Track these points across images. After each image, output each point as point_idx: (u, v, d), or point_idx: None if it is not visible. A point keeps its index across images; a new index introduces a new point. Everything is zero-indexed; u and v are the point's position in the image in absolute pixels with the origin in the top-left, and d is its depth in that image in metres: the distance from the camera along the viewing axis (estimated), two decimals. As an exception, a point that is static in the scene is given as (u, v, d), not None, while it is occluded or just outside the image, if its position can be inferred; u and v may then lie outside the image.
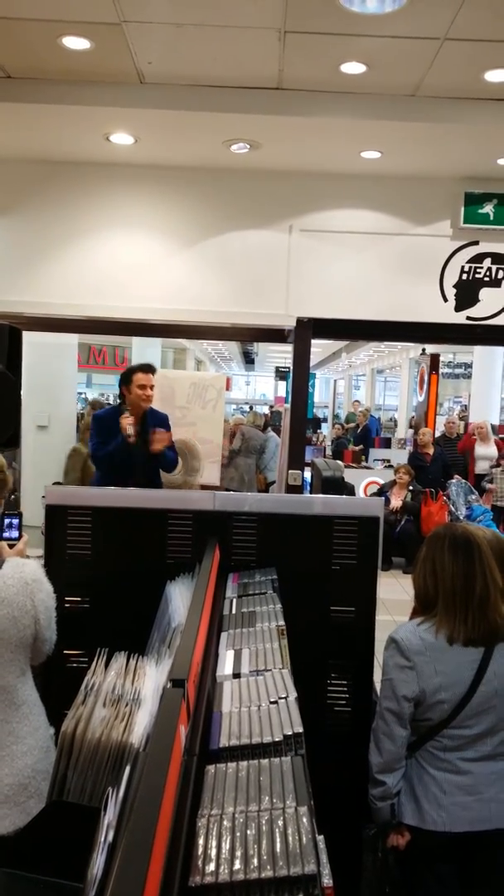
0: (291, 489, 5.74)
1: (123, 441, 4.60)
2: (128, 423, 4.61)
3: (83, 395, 22.68)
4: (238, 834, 1.17)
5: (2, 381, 3.67)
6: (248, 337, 9.73)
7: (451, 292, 5.71)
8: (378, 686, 2.66)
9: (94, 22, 3.86)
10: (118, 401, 5.04)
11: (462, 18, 3.70)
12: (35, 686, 2.35)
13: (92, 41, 4.07)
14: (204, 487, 5.98)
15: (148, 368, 4.93)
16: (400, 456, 12.93)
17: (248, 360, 33.24)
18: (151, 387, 4.82)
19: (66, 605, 2.71)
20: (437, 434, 11.78)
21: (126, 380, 4.86)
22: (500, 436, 12.20)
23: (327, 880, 1.23)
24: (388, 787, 2.24)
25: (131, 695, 1.64)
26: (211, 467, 6.70)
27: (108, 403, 14.77)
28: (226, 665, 1.86)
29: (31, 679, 2.33)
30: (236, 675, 1.80)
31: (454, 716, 2.22)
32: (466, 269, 5.70)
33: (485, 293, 5.72)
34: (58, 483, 7.53)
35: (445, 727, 2.23)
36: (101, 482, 4.88)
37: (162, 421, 4.94)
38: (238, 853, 1.12)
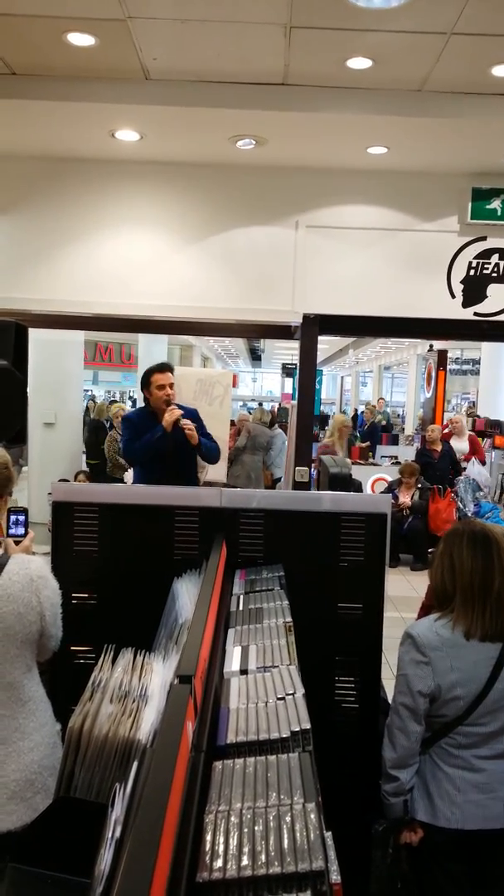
0: (298, 486, 5.74)
1: (162, 435, 4.63)
2: (175, 414, 4.64)
3: (89, 392, 22.74)
4: (245, 830, 1.17)
5: (8, 379, 3.67)
6: (255, 333, 9.73)
7: (458, 288, 5.69)
8: (385, 683, 2.66)
9: (98, 18, 3.86)
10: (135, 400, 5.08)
11: (468, 13, 3.68)
12: (42, 682, 2.36)
13: (96, 37, 4.06)
14: (208, 484, 5.98)
15: (164, 367, 4.93)
16: (407, 452, 12.91)
17: (255, 356, 33.24)
18: (171, 385, 4.85)
19: (73, 601, 2.71)
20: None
21: (145, 383, 4.88)
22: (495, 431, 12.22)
23: (335, 876, 1.22)
24: (401, 782, 2.24)
25: (138, 691, 1.64)
26: (217, 464, 6.68)
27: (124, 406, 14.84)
28: (233, 661, 1.85)
29: (38, 675, 2.33)
30: (243, 672, 1.80)
31: (469, 712, 2.21)
32: (474, 264, 5.68)
33: (492, 289, 5.69)
34: (64, 480, 7.54)
35: (460, 724, 2.22)
36: (138, 475, 4.99)
37: (192, 415, 4.97)
38: (245, 849, 1.12)
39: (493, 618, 2.25)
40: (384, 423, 17.97)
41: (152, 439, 4.68)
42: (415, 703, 2.23)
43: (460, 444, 10.59)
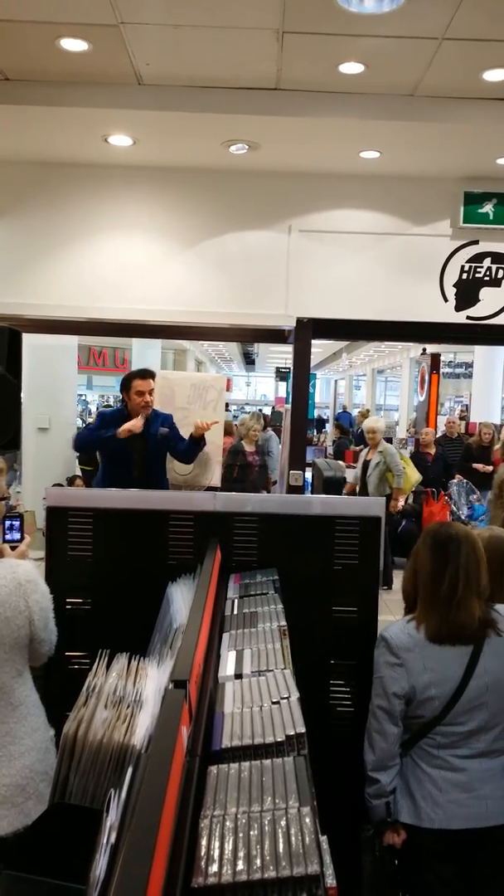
0: (292, 489, 5.74)
1: (111, 437, 4.80)
2: (133, 427, 4.81)
3: (83, 397, 22.71)
4: (241, 834, 1.17)
5: (2, 384, 3.66)
6: (248, 338, 9.74)
7: (451, 292, 5.71)
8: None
9: (91, 23, 3.86)
10: (120, 404, 5.16)
11: (460, 18, 3.70)
12: (36, 687, 2.35)
13: (89, 43, 4.07)
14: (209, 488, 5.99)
15: (146, 374, 5.04)
16: (401, 456, 12.90)
17: (249, 360, 33.28)
18: (150, 391, 4.94)
19: (68, 606, 2.71)
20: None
21: (125, 387, 5.01)
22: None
23: (331, 881, 1.22)
24: (382, 784, 2.25)
25: (133, 696, 1.64)
26: (214, 468, 6.68)
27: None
28: (228, 666, 1.85)
29: (30, 680, 2.33)
30: (238, 676, 1.80)
31: (446, 712, 2.22)
32: (466, 268, 5.69)
33: (485, 293, 5.71)
34: (58, 485, 7.52)
35: (438, 724, 2.23)
36: (103, 474, 5.14)
37: (166, 421, 5.08)
38: (241, 854, 1.12)
39: (443, 620, 2.24)
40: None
41: (102, 436, 4.87)
42: (390, 705, 2.25)
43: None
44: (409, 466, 8.07)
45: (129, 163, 5.53)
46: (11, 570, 2.24)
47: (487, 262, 5.69)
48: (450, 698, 2.22)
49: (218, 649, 1.99)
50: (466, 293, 5.71)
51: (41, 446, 8.65)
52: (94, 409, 24.36)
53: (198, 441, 5.09)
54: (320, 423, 20.99)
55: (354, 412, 21.54)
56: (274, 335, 6.17)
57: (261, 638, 2.02)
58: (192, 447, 5.11)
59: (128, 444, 4.82)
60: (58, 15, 3.80)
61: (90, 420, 12.81)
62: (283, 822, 1.19)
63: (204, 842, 1.16)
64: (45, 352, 8.38)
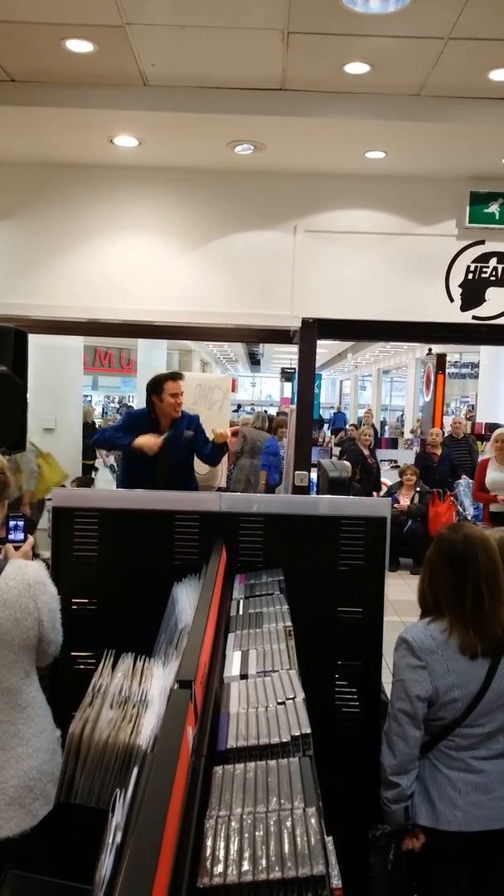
0: (298, 490, 5.74)
1: (128, 444, 4.74)
2: (153, 443, 4.73)
3: (89, 398, 22.75)
4: (246, 835, 1.17)
5: (8, 384, 3.67)
6: (254, 338, 9.73)
7: (456, 292, 5.70)
8: (386, 687, 2.66)
9: (97, 25, 3.87)
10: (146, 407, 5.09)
11: (466, 18, 3.69)
12: (42, 688, 2.35)
13: (95, 44, 4.07)
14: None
15: (177, 376, 5.06)
16: (407, 456, 12.93)
17: (254, 361, 33.25)
18: (181, 394, 4.93)
19: (74, 606, 2.71)
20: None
21: (157, 389, 4.93)
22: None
23: (336, 881, 1.22)
24: (402, 788, 2.23)
25: (138, 696, 1.64)
26: (222, 470, 6.69)
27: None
28: (233, 666, 1.85)
29: (37, 681, 2.33)
30: (243, 676, 1.80)
31: (467, 714, 2.21)
32: (472, 268, 5.68)
33: (491, 293, 5.70)
34: (62, 486, 7.53)
35: (458, 726, 2.22)
36: (124, 474, 5.09)
37: (194, 421, 5.08)
38: (246, 854, 1.12)
39: (476, 637, 2.24)
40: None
41: (118, 441, 4.89)
42: (413, 709, 2.22)
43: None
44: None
45: (135, 163, 5.53)
46: (21, 572, 2.24)
47: (493, 261, 5.68)
48: (472, 699, 2.20)
49: (223, 649, 1.99)
50: (472, 293, 5.70)
51: (47, 447, 8.66)
52: (99, 410, 24.36)
53: (220, 447, 5.05)
54: (322, 424, 21.01)
55: (361, 412, 21.53)
56: (279, 336, 6.17)
57: (266, 638, 2.02)
58: (215, 452, 5.07)
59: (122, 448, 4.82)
60: (63, 16, 3.81)
61: (110, 421, 12.82)
62: (288, 823, 1.19)
63: (209, 842, 1.15)
64: (51, 352, 8.41)
